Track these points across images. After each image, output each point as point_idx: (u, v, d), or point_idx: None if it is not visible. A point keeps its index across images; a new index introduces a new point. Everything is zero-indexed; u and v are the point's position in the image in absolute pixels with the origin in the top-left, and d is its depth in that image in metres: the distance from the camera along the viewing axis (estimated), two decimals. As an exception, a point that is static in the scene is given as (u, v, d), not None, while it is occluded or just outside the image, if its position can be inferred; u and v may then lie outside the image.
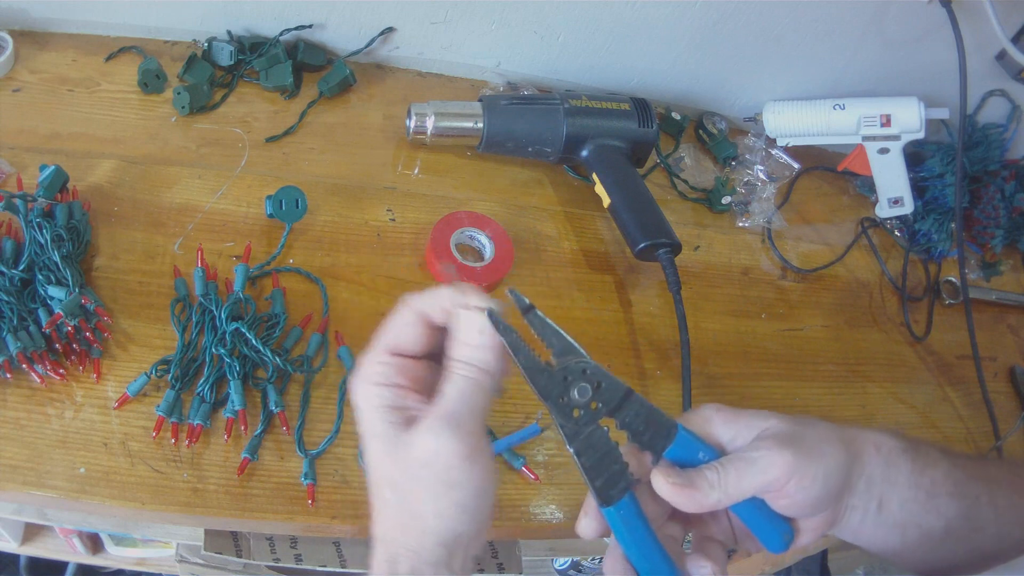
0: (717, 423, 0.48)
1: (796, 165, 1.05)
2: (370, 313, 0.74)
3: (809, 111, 1.00)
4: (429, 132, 0.85)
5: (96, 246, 0.70)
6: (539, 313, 0.45)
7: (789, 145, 1.03)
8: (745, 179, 1.00)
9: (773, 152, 1.04)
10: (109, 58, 0.84)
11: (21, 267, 0.63)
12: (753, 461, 0.44)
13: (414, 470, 0.43)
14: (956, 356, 0.96)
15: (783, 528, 0.46)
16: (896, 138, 0.99)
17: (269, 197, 0.74)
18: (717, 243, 0.94)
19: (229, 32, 0.88)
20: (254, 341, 0.65)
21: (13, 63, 0.80)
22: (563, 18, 0.92)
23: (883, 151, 1.00)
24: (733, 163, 1.02)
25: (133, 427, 0.61)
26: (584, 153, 0.88)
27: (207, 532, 0.80)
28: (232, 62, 0.86)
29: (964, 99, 0.94)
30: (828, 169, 1.08)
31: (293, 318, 0.71)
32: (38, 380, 0.61)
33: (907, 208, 1.01)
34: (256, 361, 0.66)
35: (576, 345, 0.45)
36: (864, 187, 1.07)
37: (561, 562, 1.11)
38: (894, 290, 0.99)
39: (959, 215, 0.96)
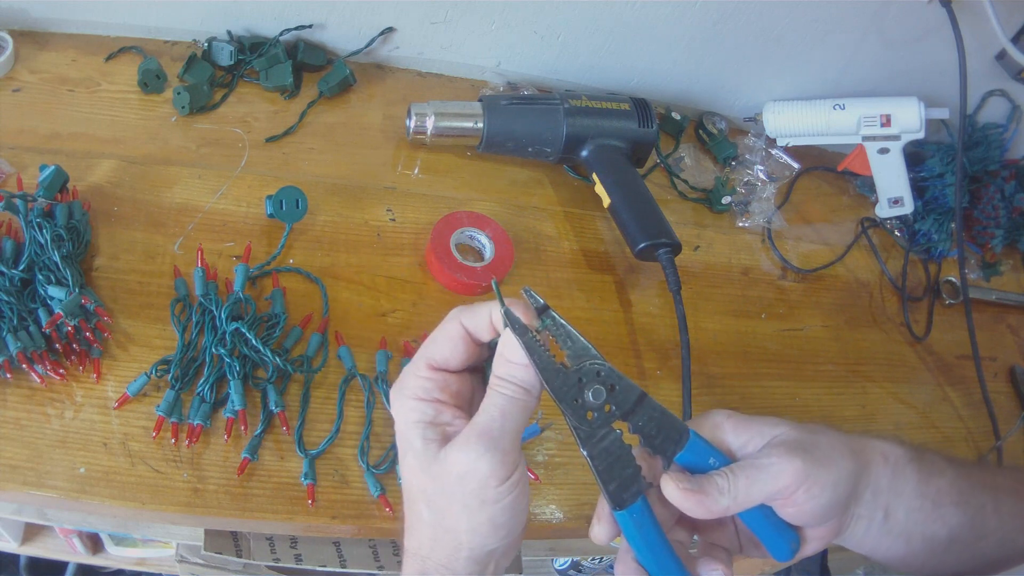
0: (727, 429, 0.48)
1: (796, 165, 1.05)
2: (370, 313, 0.74)
3: (809, 111, 1.00)
4: (429, 132, 0.85)
5: (96, 246, 0.70)
6: (554, 314, 0.45)
7: (789, 145, 1.03)
8: (745, 179, 1.00)
9: (773, 152, 1.04)
10: (109, 58, 0.84)
11: (21, 267, 0.63)
12: (763, 468, 0.44)
13: (449, 486, 0.43)
14: (956, 356, 0.96)
15: (790, 536, 0.46)
16: (896, 138, 0.99)
17: (269, 197, 0.74)
18: (717, 243, 0.94)
19: (229, 32, 0.88)
20: (254, 341, 0.65)
21: (13, 63, 0.80)
22: (563, 18, 0.92)
23: (883, 151, 1.00)
24: (733, 163, 1.02)
25: (133, 427, 0.61)
26: (584, 153, 0.88)
27: (207, 532, 0.80)
28: (232, 62, 0.86)
29: (964, 99, 0.94)
30: (828, 169, 1.08)
31: (293, 318, 0.71)
32: (38, 380, 0.61)
33: (907, 208, 1.01)
34: (256, 361, 0.66)
35: (591, 347, 0.45)
36: (864, 187, 1.07)
37: (561, 562, 1.12)
38: (894, 290, 0.99)
39: (959, 215, 0.96)
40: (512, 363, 0.44)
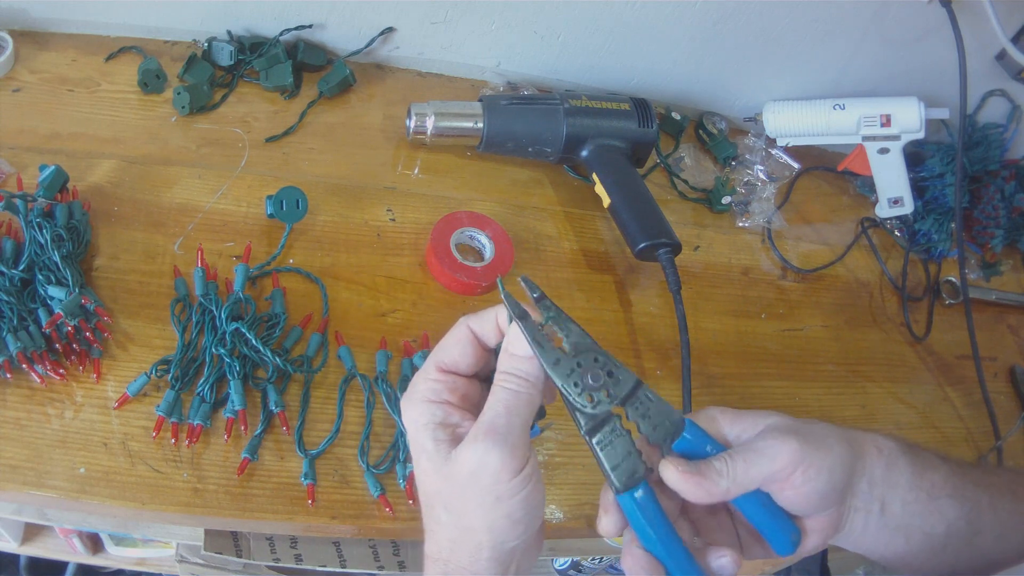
0: (722, 422, 0.48)
1: (796, 165, 1.05)
2: (370, 313, 0.74)
3: (809, 111, 1.00)
4: (429, 132, 0.85)
5: (96, 246, 0.70)
6: (549, 302, 0.46)
7: (789, 145, 1.03)
8: (745, 179, 1.00)
9: (773, 152, 1.04)
10: (109, 58, 0.84)
11: (21, 267, 0.63)
12: (760, 450, 0.45)
13: (463, 485, 0.44)
14: (956, 356, 0.96)
15: (790, 528, 0.46)
16: (896, 138, 0.99)
17: (270, 197, 0.74)
18: (717, 243, 0.94)
19: (229, 32, 0.88)
20: (254, 341, 0.65)
21: (13, 63, 0.80)
22: (563, 18, 0.92)
23: (883, 151, 1.00)
24: (733, 163, 1.02)
25: (133, 427, 0.61)
26: (584, 153, 0.88)
27: (207, 532, 0.80)
28: (232, 62, 0.86)
29: (964, 99, 0.94)
30: (828, 169, 1.08)
31: (293, 318, 0.71)
32: (38, 380, 0.61)
33: (907, 208, 1.01)
34: (256, 361, 0.66)
35: (587, 335, 0.46)
36: (864, 187, 1.07)
37: (561, 562, 1.12)
38: (894, 290, 0.99)
39: (959, 215, 0.96)
40: (515, 356, 0.45)
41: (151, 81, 0.81)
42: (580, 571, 1.10)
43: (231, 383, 0.63)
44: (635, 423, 0.46)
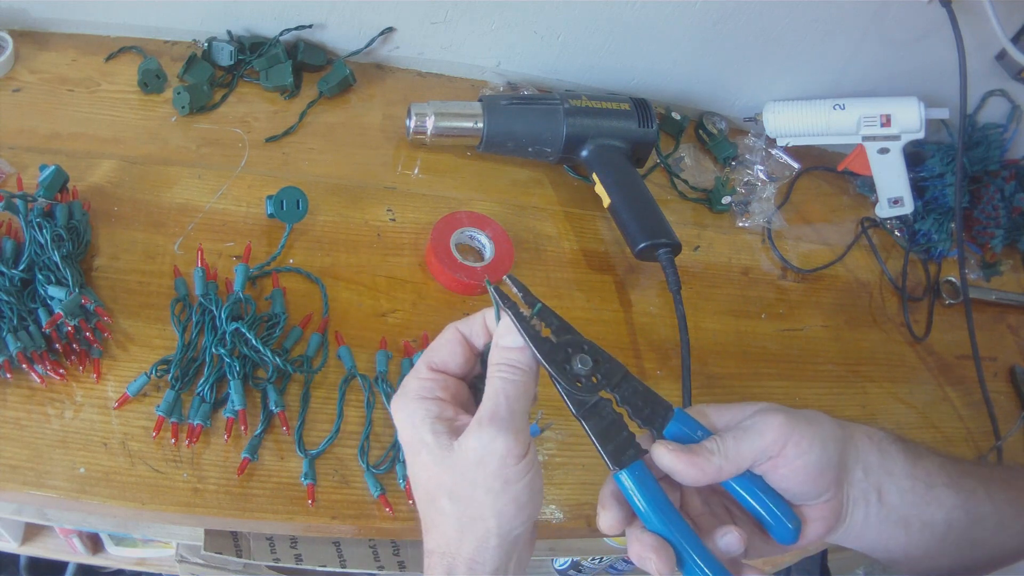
0: (710, 414, 0.49)
1: (796, 165, 1.05)
2: (370, 313, 0.74)
3: (809, 111, 1.00)
4: (429, 132, 0.85)
5: (96, 246, 0.70)
6: (534, 297, 0.48)
7: (789, 145, 1.03)
8: (745, 179, 1.00)
9: (773, 152, 1.04)
10: (109, 58, 0.84)
11: (21, 267, 0.63)
12: (749, 428, 0.45)
13: (470, 473, 0.44)
14: (956, 356, 0.96)
15: (791, 516, 0.46)
16: (896, 138, 0.99)
17: (270, 197, 0.74)
18: (717, 243, 0.94)
19: (229, 32, 0.88)
20: (254, 341, 0.65)
21: (13, 63, 0.80)
22: (563, 18, 0.92)
23: (883, 151, 1.00)
24: (733, 163, 1.02)
25: (133, 427, 0.61)
26: (584, 153, 0.88)
27: (207, 532, 0.80)
28: (232, 62, 0.86)
29: (964, 99, 0.94)
30: (828, 169, 1.08)
31: (293, 318, 0.71)
32: (38, 380, 0.61)
33: (907, 208, 1.01)
34: (256, 361, 0.66)
35: (572, 327, 0.47)
36: (864, 187, 1.07)
37: (561, 562, 1.11)
38: (894, 290, 0.99)
39: (959, 215, 0.96)
40: (508, 348, 0.46)
41: (151, 81, 0.82)
42: (580, 571, 1.10)
43: (231, 383, 0.63)
44: (625, 409, 0.47)
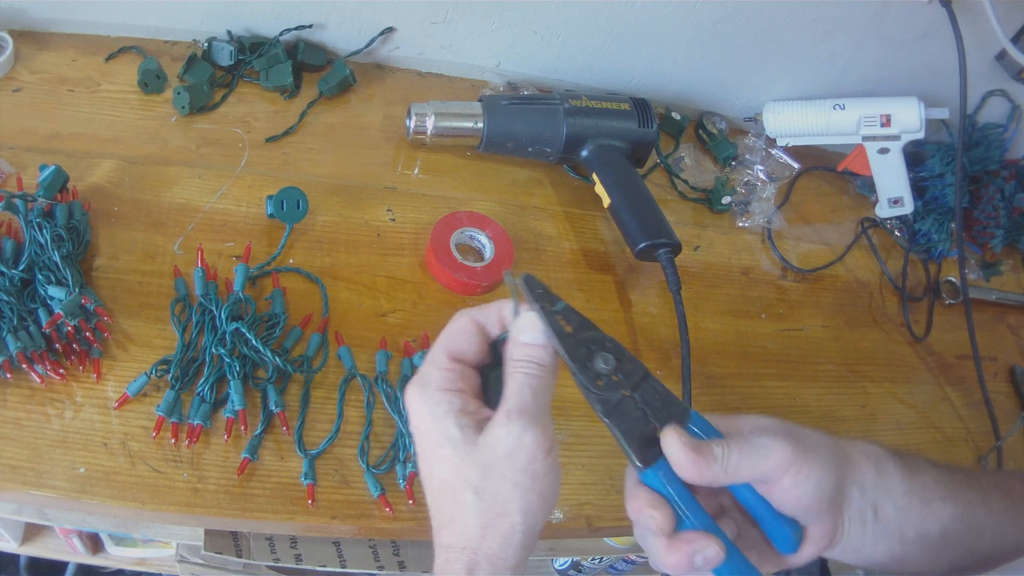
0: (716, 421, 0.48)
1: (796, 165, 1.05)
2: (370, 313, 0.74)
3: (809, 111, 1.00)
4: (429, 132, 0.85)
5: (96, 246, 0.70)
6: (556, 296, 0.48)
7: (789, 145, 1.03)
8: (745, 179, 1.00)
9: (773, 152, 1.04)
10: (109, 58, 0.84)
11: (21, 267, 0.63)
12: (756, 446, 0.45)
13: (498, 467, 0.44)
14: (956, 356, 0.96)
15: (793, 527, 0.46)
16: (896, 138, 0.99)
17: (270, 197, 0.74)
18: (717, 243, 0.94)
19: (229, 32, 0.88)
20: (254, 341, 0.65)
21: (13, 63, 0.80)
22: (563, 18, 0.92)
23: (883, 151, 1.00)
24: (733, 163, 1.02)
25: (133, 427, 0.61)
26: (584, 153, 0.88)
27: (207, 532, 0.80)
28: (232, 62, 0.86)
29: (964, 99, 0.94)
30: (828, 169, 1.08)
31: (293, 318, 0.71)
32: (38, 380, 0.61)
33: (907, 208, 1.01)
34: (256, 361, 0.66)
35: (594, 325, 0.47)
36: (864, 187, 1.07)
37: (561, 562, 1.11)
38: (894, 290, 0.99)
39: (959, 215, 0.96)
40: (528, 344, 0.46)
41: (151, 81, 0.81)
42: (580, 571, 1.10)
43: (231, 383, 0.63)
44: (643, 410, 0.46)
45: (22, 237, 0.65)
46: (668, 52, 0.97)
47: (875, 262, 1.01)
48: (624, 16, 0.92)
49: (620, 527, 0.70)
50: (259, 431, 0.63)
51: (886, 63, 1.01)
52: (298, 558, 0.81)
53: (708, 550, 0.43)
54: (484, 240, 0.80)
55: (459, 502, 0.45)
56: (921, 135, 0.99)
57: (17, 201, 0.66)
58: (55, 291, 0.62)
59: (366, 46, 0.92)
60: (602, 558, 1.05)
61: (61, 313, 0.60)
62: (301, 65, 0.89)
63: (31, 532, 1.07)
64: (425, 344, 0.73)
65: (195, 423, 0.61)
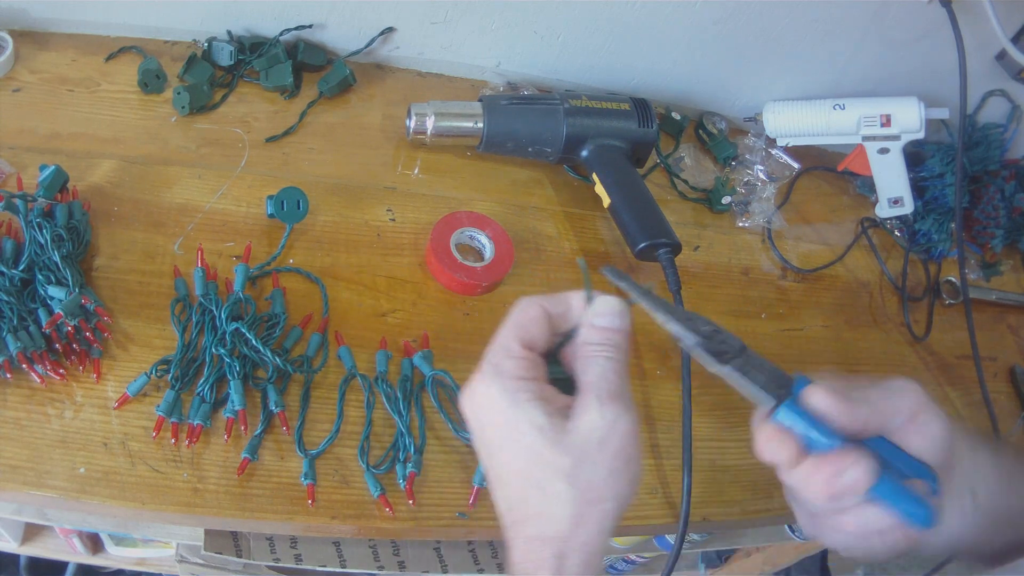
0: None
1: (796, 165, 1.05)
2: (370, 313, 0.74)
3: (809, 111, 1.00)
4: (429, 132, 0.85)
5: (96, 246, 0.70)
6: (635, 282, 0.48)
7: (789, 145, 1.03)
8: (745, 179, 1.00)
9: (773, 152, 1.04)
10: (109, 58, 0.84)
11: (21, 267, 0.63)
12: (892, 388, 0.45)
13: (591, 454, 0.43)
14: (956, 356, 0.96)
15: (932, 476, 0.44)
16: (896, 138, 0.99)
17: (270, 197, 0.74)
18: (717, 243, 0.94)
19: (229, 32, 0.88)
20: (254, 341, 0.65)
21: (13, 63, 0.80)
22: (563, 18, 0.92)
23: (883, 151, 1.00)
24: (733, 163, 1.02)
25: (133, 427, 0.61)
26: (584, 153, 0.88)
27: (207, 532, 0.80)
28: (232, 62, 0.86)
29: (964, 99, 0.94)
30: (828, 169, 1.08)
31: (293, 318, 0.71)
32: (38, 380, 0.61)
33: (907, 208, 1.01)
34: (256, 361, 0.66)
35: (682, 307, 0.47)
36: (864, 187, 1.07)
37: (561, 562, 1.11)
38: (894, 290, 0.99)
39: (959, 215, 0.96)
40: (606, 329, 0.47)
41: (151, 81, 0.82)
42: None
43: (231, 383, 0.63)
44: (748, 376, 0.46)
45: (22, 237, 0.65)
46: (668, 52, 0.97)
47: (875, 262, 1.01)
48: (624, 16, 0.92)
49: (622, 527, 0.70)
50: (259, 431, 0.63)
51: (886, 63, 1.01)
52: (298, 558, 0.81)
53: (857, 466, 0.41)
54: (484, 240, 0.80)
55: (548, 493, 0.44)
56: (921, 135, 0.99)
57: (17, 201, 0.66)
58: (55, 291, 0.62)
59: (366, 46, 0.92)
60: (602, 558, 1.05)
61: (61, 313, 0.60)
62: (301, 65, 0.89)
63: (31, 532, 1.07)
64: (425, 344, 0.73)
65: (195, 423, 0.61)
